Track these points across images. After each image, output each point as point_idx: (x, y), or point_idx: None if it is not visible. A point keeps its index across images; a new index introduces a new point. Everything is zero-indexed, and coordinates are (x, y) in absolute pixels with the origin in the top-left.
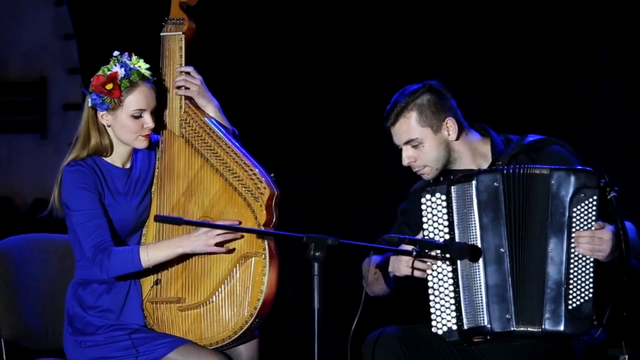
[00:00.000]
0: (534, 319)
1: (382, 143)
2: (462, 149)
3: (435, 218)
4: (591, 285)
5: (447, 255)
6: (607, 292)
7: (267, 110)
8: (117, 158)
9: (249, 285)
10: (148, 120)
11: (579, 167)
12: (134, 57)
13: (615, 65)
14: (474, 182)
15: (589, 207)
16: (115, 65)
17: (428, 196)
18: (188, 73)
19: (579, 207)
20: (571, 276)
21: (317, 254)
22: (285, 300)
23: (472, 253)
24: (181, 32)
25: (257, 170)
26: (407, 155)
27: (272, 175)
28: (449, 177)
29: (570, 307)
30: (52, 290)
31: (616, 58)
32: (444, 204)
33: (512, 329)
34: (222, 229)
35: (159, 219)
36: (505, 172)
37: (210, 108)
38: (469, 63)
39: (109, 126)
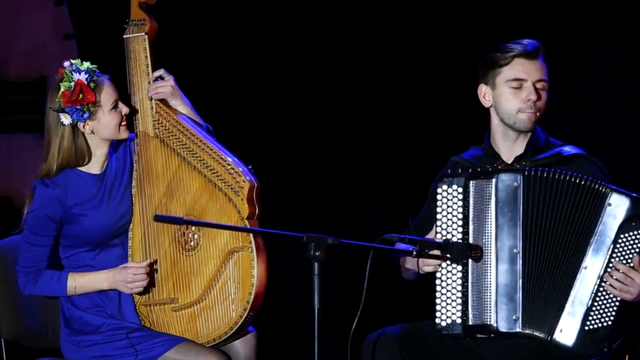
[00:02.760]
0: (544, 326)
1: (382, 143)
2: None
3: (450, 210)
4: (614, 312)
5: (448, 255)
6: (626, 321)
7: (267, 110)
8: (95, 164)
9: (239, 280)
10: (123, 107)
11: (637, 195)
12: (76, 61)
13: (615, 65)
14: (493, 180)
15: (636, 238)
16: (73, 75)
17: (445, 187)
18: (160, 77)
19: (626, 235)
20: (597, 298)
21: (317, 253)
22: (285, 300)
23: (474, 254)
24: (143, 33)
25: (234, 164)
26: (535, 92)
27: (250, 167)
28: (467, 170)
29: (586, 328)
30: None
31: (616, 58)
32: (460, 196)
33: (517, 330)
34: (220, 228)
35: (159, 218)
36: (526, 173)
37: (183, 107)
38: (469, 64)
39: (92, 133)
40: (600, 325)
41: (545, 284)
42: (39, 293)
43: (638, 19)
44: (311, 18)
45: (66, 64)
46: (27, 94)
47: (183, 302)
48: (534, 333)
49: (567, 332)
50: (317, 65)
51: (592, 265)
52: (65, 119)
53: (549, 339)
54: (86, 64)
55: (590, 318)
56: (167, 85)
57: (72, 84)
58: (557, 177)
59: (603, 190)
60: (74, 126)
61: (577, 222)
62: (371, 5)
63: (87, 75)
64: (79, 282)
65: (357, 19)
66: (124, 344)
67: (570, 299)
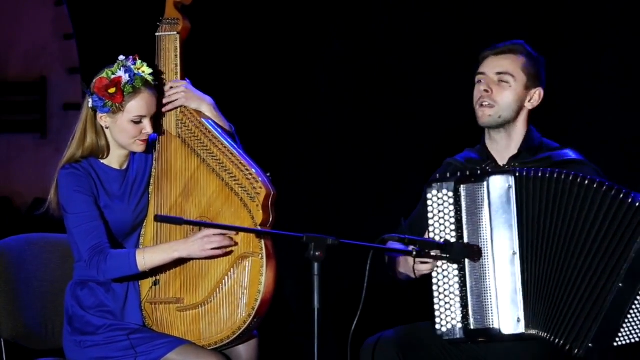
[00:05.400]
0: (558, 332)
1: (382, 143)
2: (521, 124)
3: (441, 215)
4: None
5: (447, 256)
6: None
7: (267, 110)
8: (114, 160)
9: (247, 285)
10: (147, 126)
11: None
12: (139, 62)
13: (615, 65)
14: (485, 183)
15: None
16: (120, 70)
17: (434, 192)
18: (170, 88)
19: None
20: (629, 316)
21: (317, 254)
22: (285, 300)
23: (473, 254)
24: (176, 32)
25: (253, 170)
26: (488, 84)
27: (268, 174)
28: (456, 174)
29: (615, 344)
30: (52, 290)
31: (617, 58)
32: (451, 201)
33: (521, 331)
34: (222, 228)
35: (160, 218)
36: (517, 174)
37: (205, 107)
38: (469, 63)
39: (107, 128)
40: (629, 342)
41: (551, 285)
42: (112, 274)
43: (639, 19)
44: (311, 18)
45: (122, 57)
46: (27, 94)
47: (189, 303)
48: (539, 333)
49: (595, 347)
50: (317, 65)
51: (631, 283)
52: (90, 101)
53: (575, 352)
54: (142, 68)
55: (620, 334)
56: (179, 92)
57: (113, 76)
58: (554, 176)
59: (636, 205)
60: (94, 112)
61: (600, 231)
62: (371, 5)
63: (129, 78)
64: (148, 256)
65: (357, 19)
66: (124, 346)
67: (601, 316)
